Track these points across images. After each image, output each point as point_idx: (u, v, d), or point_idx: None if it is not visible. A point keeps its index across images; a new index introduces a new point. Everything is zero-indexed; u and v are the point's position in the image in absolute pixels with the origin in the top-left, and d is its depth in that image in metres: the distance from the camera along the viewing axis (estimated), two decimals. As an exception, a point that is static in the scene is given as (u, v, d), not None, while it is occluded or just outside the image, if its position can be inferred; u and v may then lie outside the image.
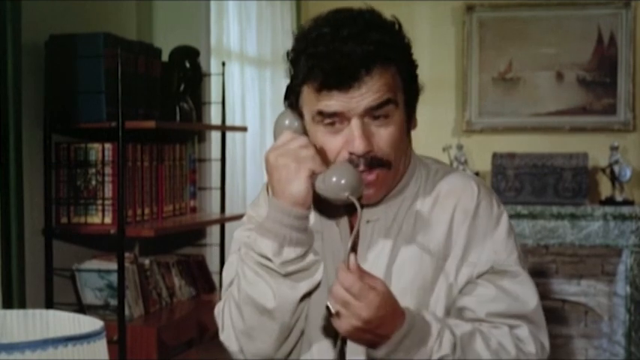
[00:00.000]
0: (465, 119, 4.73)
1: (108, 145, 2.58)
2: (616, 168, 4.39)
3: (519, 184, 4.47)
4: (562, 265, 4.62)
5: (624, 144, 4.52)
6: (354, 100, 1.29)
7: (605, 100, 4.61)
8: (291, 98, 1.37)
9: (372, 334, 1.25)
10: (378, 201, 1.39)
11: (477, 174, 4.57)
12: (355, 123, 1.30)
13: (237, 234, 1.47)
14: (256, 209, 1.46)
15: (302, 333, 1.39)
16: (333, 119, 1.32)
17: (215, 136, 3.36)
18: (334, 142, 1.32)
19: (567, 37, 4.63)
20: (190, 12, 3.27)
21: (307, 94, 1.33)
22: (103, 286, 2.60)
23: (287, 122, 1.38)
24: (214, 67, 3.38)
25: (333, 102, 1.30)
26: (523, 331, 1.34)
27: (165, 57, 2.94)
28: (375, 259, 1.38)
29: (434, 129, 4.77)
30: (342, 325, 1.24)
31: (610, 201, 4.40)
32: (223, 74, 3.25)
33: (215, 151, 3.33)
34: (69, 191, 2.61)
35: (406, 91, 1.35)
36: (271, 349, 1.37)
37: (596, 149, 4.53)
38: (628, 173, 4.38)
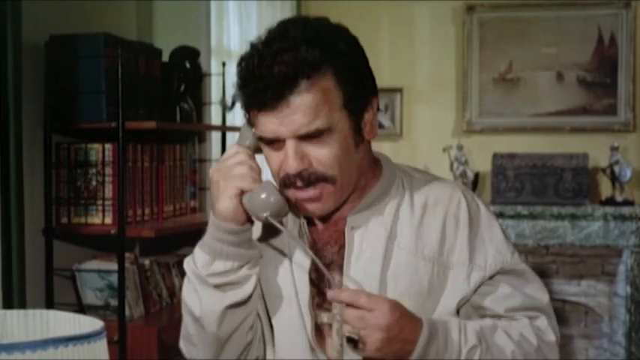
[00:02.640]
0: (465, 119, 4.73)
1: (108, 146, 2.58)
2: (616, 168, 4.38)
3: (519, 184, 4.46)
4: (562, 266, 4.62)
5: (624, 144, 4.52)
6: (284, 123, 1.27)
7: (606, 100, 4.61)
8: (246, 115, 1.38)
9: (398, 342, 1.25)
10: (362, 207, 1.39)
11: (477, 174, 4.58)
12: (289, 144, 1.29)
13: None
14: None
15: (250, 344, 1.41)
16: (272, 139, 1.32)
17: (215, 137, 3.36)
18: (275, 160, 1.33)
19: (567, 38, 4.63)
20: (190, 12, 3.27)
21: (252, 112, 1.34)
22: (103, 286, 2.60)
23: (244, 135, 1.39)
24: (214, 68, 3.38)
25: (267, 125, 1.29)
26: (542, 321, 1.40)
27: (165, 57, 2.94)
28: (366, 266, 1.37)
29: (434, 129, 4.78)
30: (370, 345, 1.24)
31: (610, 201, 4.39)
32: (223, 74, 3.25)
33: (215, 152, 3.33)
34: (69, 191, 2.60)
35: (349, 102, 1.30)
36: (209, 356, 1.41)
37: (596, 149, 4.53)
38: (628, 173, 4.37)
